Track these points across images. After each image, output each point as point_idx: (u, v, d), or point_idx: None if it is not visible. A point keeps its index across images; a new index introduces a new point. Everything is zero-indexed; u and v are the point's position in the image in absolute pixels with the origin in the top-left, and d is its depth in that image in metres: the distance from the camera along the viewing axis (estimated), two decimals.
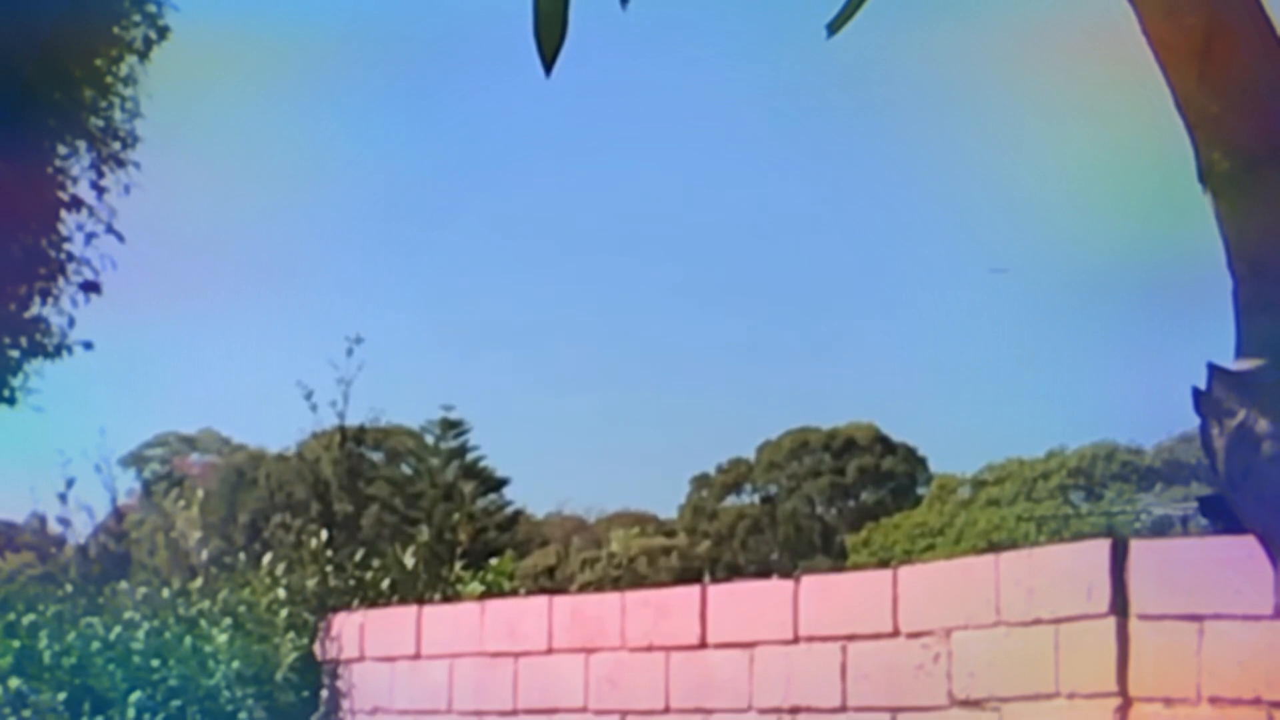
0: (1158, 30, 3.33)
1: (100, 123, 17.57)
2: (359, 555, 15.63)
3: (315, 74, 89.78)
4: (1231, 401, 3.31)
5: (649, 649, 10.99)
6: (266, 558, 15.62)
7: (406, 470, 70.16)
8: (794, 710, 10.07)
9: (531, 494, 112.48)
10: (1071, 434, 71.21)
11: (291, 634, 14.38)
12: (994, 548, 9.57)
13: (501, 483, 70.90)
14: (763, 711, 10.27)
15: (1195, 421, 3.41)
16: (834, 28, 3.56)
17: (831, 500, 79.69)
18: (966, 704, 9.04)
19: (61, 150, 17.41)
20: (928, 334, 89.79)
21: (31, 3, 15.46)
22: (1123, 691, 8.17)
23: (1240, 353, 3.34)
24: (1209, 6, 3.30)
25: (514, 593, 16.38)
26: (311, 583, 14.88)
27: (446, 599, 14.95)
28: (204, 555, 16.17)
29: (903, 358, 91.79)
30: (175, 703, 14.53)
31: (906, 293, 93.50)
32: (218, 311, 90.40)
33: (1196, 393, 3.38)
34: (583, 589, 46.54)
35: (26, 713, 14.60)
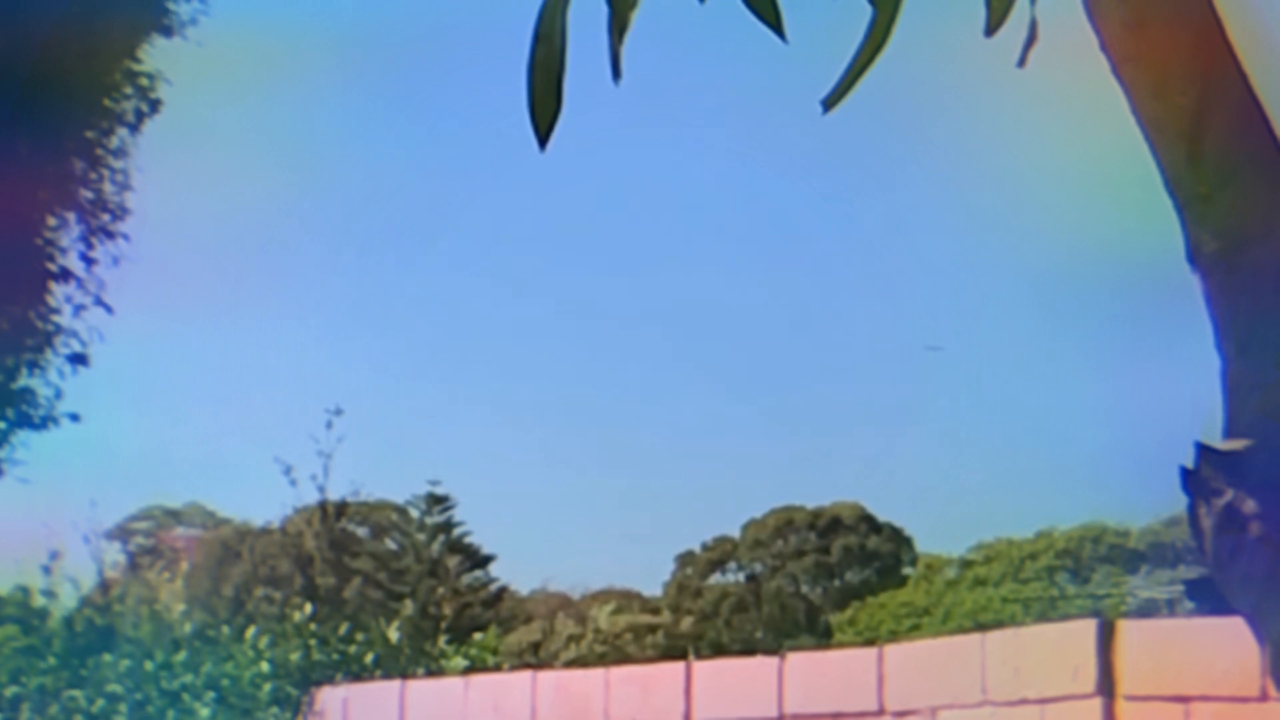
0: (1147, 109, 3.35)
1: (90, 195, 17.61)
2: (343, 629, 15.60)
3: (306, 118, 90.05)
4: (1219, 481, 3.31)
5: None
6: (250, 631, 15.58)
7: (391, 545, 70.05)
8: None
9: (516, 570, 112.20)
10: (1060, 514, 71.16)
11: (275, 708, 14.33)
12: (981, 628, 9.54)
13: (487, 559, 70.79)
14: None
15: (1183, 501, 3.42)
16: (829, 104, 3.58)
17: (816, 579, 79.59)
18: None
19: (51, 222, 17.44)
20: (914, 412, 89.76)
21: (23, 76, 15.51)
22: None
23: (1229, 431, 3.34)
24: (1197, 86, 3.32)
25: (498, 668, 16.34)
26: (295, 656, 14.84)
27: (430, 674, 14.91)
28: (188, 628, 16.11)
29: (888, 436, 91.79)
30: None
31: (892, 371, 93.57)
32: (205, 382, 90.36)
33: (1184, 472, 3.38)
34: (567, 665, 46.41)
35: None
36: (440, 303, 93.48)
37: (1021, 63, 3.55)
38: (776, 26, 3.51)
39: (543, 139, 3.55)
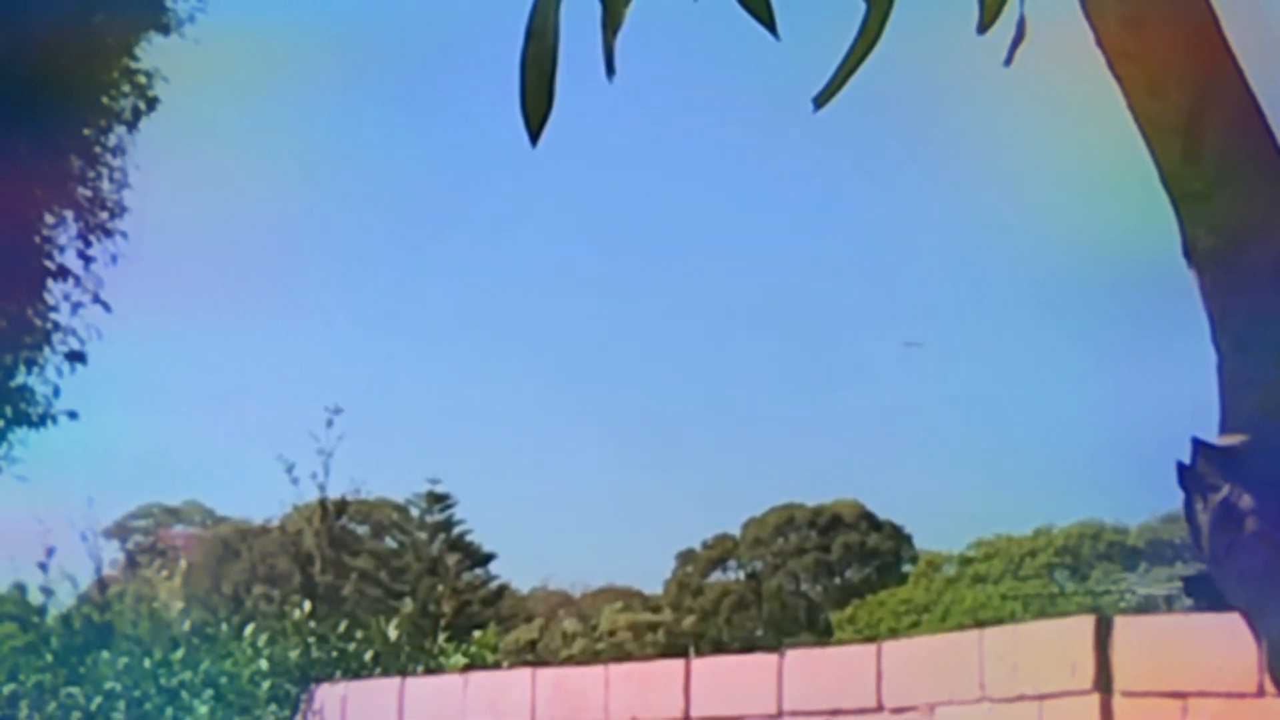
0: (1142, 106, 3.34)
1: (88, 193, 17.60)
2: (342, 627, 15.59)
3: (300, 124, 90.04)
4: (1215, 477, 3.30)
5: None
6: (249, 629, 15.57)
7: (392, 543, 70.12)
8: None
9: (517, 568, 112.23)
10: (1058, 511, 71.22)
11: (274, 706, 14.33)
12: (979, 625, 9.53)
13: (488, 557, 70.85)
14: None
15: (1180, 499, 3.41)
16: (820, 102, 3.57)
17: (817, 577, 79.64)
18: None
19: (49, 219, 17.43)
20: (913, 410, 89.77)
21: (20, 74, 15.50)
22: None
23: (1225, 428, 3.34)
24: (1194, 84, 3.31)
25: (497, 666, 16.32)
26: (294, 654, 14.83)
27: (429, 671, 14.89)
28: (186, 626, 16.10)
29: (888, 435, 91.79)
30: None
31: (892, 369, 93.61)
32: (203, 380, 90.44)
33: (1181, 467, 3.38)
34: (567, 663, 46.44)
35: None
36: (439, 301, 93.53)
37: (1009, 61, 3.53)
38: (770, 23, 3.49)
39: (534, 135, 3.54)
